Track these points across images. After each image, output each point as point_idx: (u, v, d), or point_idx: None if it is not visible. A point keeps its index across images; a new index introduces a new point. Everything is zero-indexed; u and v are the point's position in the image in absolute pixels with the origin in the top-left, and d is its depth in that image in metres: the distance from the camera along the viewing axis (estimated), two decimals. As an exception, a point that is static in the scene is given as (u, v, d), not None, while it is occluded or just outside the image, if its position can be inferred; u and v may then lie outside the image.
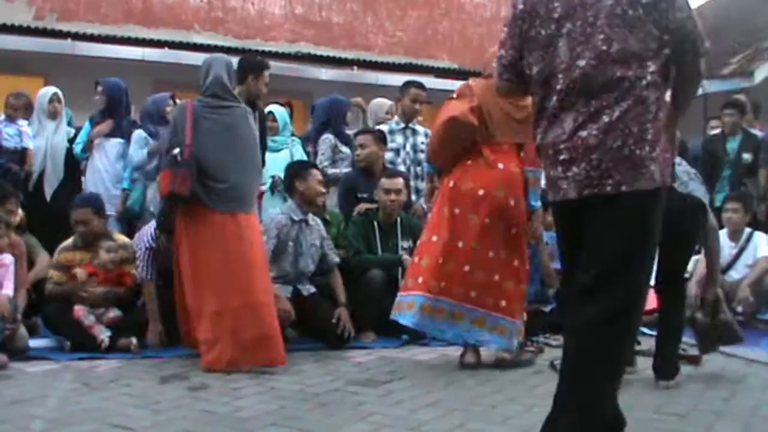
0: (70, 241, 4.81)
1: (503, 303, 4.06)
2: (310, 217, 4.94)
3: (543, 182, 3.79)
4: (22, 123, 5.67)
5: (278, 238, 4.76)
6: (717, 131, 7.28)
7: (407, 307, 4.11)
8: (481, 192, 4.06)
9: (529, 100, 4.03)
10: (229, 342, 4.02)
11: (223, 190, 4.15)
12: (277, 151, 5.82)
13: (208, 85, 4.29)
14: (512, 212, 4.09)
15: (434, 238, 4.12)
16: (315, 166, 5.15)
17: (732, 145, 6.76)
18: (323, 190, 5.01)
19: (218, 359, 4.02)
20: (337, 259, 5.00)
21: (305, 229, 4.89)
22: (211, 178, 4.14)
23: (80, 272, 4.59)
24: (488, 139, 4.09)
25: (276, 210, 5.13)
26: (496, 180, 4.07)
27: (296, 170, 5.01)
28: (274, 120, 5.89)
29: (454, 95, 4.31)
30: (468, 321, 4.05)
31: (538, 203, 4.33)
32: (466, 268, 4.03)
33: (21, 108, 5.72)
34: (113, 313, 4.59)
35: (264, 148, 5.29)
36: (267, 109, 5.84)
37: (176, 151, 4.10)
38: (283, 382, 3.80)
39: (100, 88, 5.94)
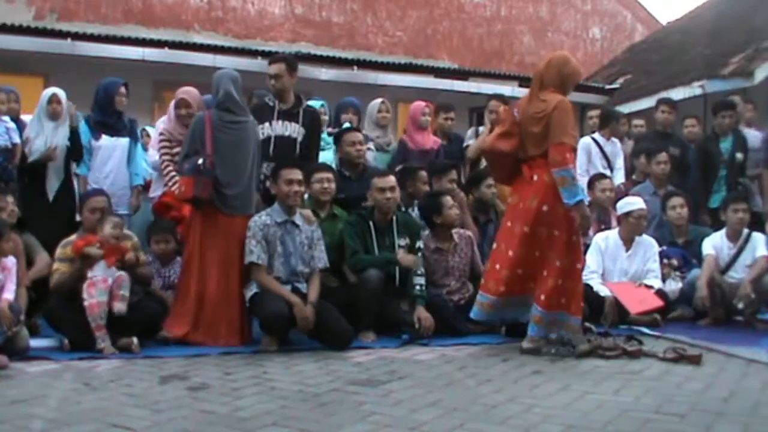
0: (74, 236, 4.81)
1: (563, 300, 4.52)
2: (299, 217, 4.90)
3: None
4: (6, 119, 5.64)
5: (266, 240, 4.76)
6: (694, 129, 7.38)
7: (478, 305, 4.76)
8: (521, 205, 4.57)
9: (547, 111, 4.40)
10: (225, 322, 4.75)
11: (231, 196, 4.85)
12: (322, 150, 5.85)
13: (222, 100, 4.91)
14: (547, 218, 4.47)
15: (497, 248, 4.73)
16: (289, 166, 4.92)
17: (725, 145, 6.82)
18: (294, 189, 4.83)
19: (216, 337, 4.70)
20: (321, 264, 4.90)
21: (292, 230, 4.86)
22: (222, 185, 4.80)
23: (92, 250, 4.54)
24: (525, 156, 4.55)
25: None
26: (531, 192, 4.50)
27: (271, 173, 4.99)
28: (325, 113, 5.90)
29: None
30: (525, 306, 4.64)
31: (572, 200, 4.36)
32: (519, 271, 4.58)
33: (6, 103, 5.71)
34: (120, 305, 4.51)
35: (317, 147, 5.50)
36: (319, 102, 5.94)
37: (200, 161, 4.71)
38: (283, 382, 3.80)
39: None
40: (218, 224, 4.82)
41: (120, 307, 4.45)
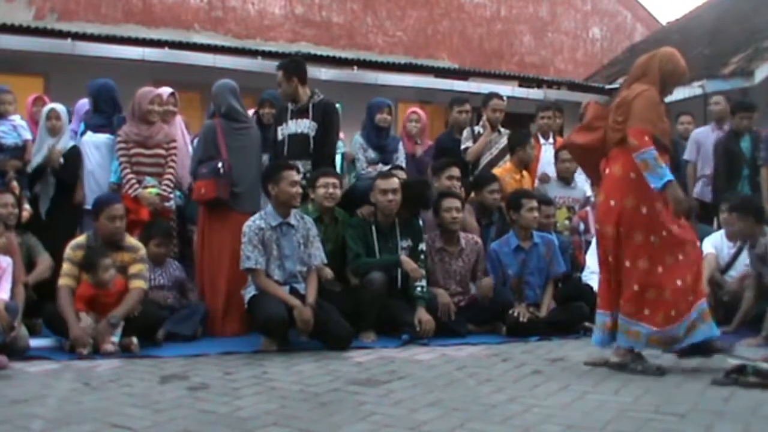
0: (83, 238, 4.78)
1: (646, 311, 4.06)
2: (293, 217, 4.89)
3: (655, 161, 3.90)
4: (15, 117, 5.61)
5: (262, 244, 4.74)
6: (690, 126, 7.37)
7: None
8: (597, 201, 4.46)
9: (628, 99, 4.12)
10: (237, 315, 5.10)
11: (240, 193, 5.28)
12: None
13: (226, 112, 5.43)
14: (612, 213, 4.11)
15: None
16: (290, 167, 4.95)
17: (745, 144, 6.80)
18: (298, 190, 4.90)
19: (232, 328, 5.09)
20: (318, 262, 4.89)
21: (288, 232, 4.85)
22: (235, 185, 5.25)
23: (84, 318, 4.48)
24: (607, 151, 4.26)
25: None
26: (601, 187, 4.32)
27: (269, 173, 4.95)
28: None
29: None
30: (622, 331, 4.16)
31: (659, 183, 3.93)
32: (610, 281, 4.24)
33: (13, 103, 5.68)
34: (108, 346, 4.45)
35: (331, 139, 5.54)
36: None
37: (219, 165, 5.18)
38: (283, 382, 3.80)
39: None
40: (228, 222, 5.16)
41: (108, 348, 4.39)
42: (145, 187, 5.40)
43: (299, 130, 5.46)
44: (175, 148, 5.65)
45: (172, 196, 5.58)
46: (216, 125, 5.37)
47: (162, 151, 5.56)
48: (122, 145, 5.48)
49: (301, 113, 5.49)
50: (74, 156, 5.66)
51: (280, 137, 5.52)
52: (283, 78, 5.51)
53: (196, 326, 4.98)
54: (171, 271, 5.22)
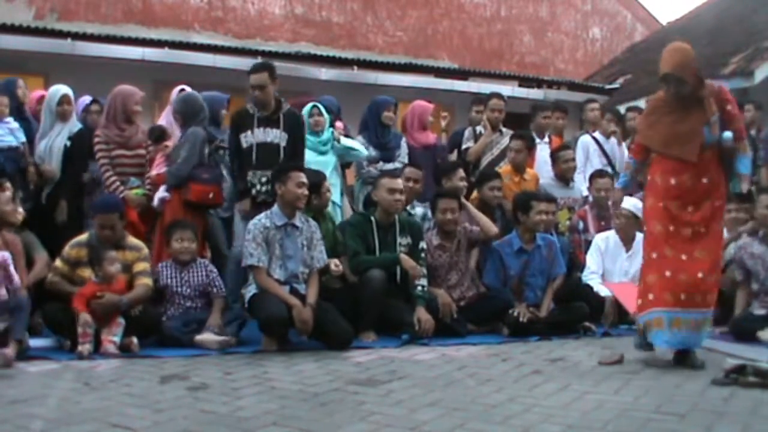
0: (84, 237, 4.79)
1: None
2: (298, 219, 4.89)
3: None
4: (9, 120, 5.62)
5: (266, 242, 4.74)
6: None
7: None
8: None
9: None
10: None
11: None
12: (323, 153, 5.93)
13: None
14: (649, 212, 4.40)
15: None
16: (298, 169, 4.96)
17: None
18: (305, 192, 4.88)
19: None
20: (320, 264, 4.89)
21: (292, 233, 4.85)
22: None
23: (83, 315, 4.43)
24: None
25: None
26: None
27: (276, 173, 4.94)
28: (320, 114, 5.96)
29: None
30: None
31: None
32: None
33: (8, 105, 5.68)
34: (117, 319, 4.51)
35: (302, 150, 5.49)
36: (312, 104, 5.98)
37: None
38: (283, 382, 3.80)
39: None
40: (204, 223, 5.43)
41: (109, 348, 4.38)
42: (131, 188, 5.38)
43: (269, 140, 5.33)
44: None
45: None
46: (204, 134, 5.39)
47: (142, 151, 5.55)
48: (102, 146, 5.43)
49: (270, 122, 5.35)
50: (83, 138, 5.62)
51: (245, 145, 5.34)
52: (269, 80, 5.32)
53: (235, 329, 4.81)
54: (196, 276, 4.95)
